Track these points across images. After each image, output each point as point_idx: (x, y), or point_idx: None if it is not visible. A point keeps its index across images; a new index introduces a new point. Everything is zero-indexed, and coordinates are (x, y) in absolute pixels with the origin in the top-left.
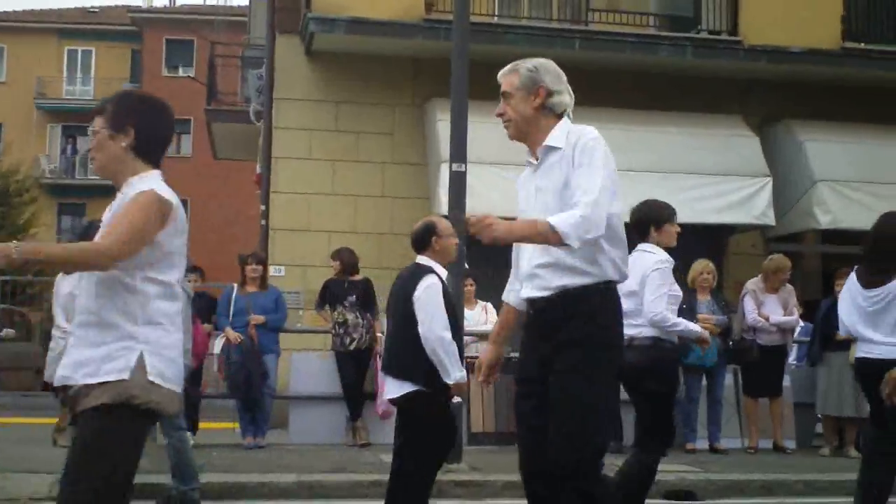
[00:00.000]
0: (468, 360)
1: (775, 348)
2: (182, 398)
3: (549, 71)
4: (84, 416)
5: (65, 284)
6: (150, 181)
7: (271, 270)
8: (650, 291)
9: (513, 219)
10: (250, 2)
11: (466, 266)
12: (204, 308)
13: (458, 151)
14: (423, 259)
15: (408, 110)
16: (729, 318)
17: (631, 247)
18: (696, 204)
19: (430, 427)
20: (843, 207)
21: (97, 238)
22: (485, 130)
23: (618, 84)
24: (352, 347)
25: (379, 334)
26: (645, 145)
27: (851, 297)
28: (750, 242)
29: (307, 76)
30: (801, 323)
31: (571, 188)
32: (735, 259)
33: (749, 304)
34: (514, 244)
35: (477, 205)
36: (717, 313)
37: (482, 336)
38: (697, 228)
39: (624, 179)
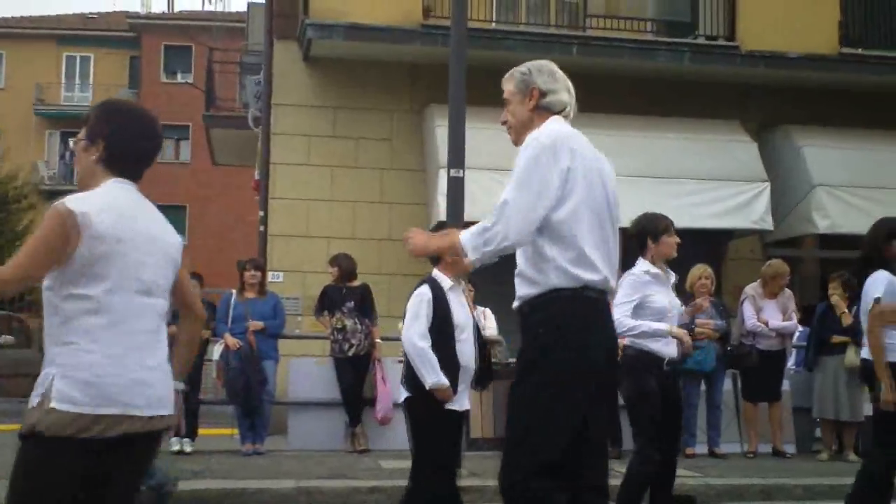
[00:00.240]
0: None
1: (774, 353)
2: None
3: (543, 71)
4: None
5: None
6: (89, 193)
7: (270, 276)
8: (615, 300)
9: None
10: (248, 8)
11: None
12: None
13: (456, 157)
14: (435, 271)
15: (406, 116)
16: (727, 324)
17: (634, 258)
18: (695, 209)
19: (421, 431)
20: (841, 212)
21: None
22: (483, 136)
23: (616, 90)
24: (350, 353)
25: (378, 340)
26: (643, 151)
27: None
28: (748, 247)
29: (305, 82)
30: (800, 328)
31: None
32: (733, 264)
33: (748, 310)
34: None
35: (475, 210)
36: (715, 318)
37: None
38: (696, 234)
39: (622, 185)
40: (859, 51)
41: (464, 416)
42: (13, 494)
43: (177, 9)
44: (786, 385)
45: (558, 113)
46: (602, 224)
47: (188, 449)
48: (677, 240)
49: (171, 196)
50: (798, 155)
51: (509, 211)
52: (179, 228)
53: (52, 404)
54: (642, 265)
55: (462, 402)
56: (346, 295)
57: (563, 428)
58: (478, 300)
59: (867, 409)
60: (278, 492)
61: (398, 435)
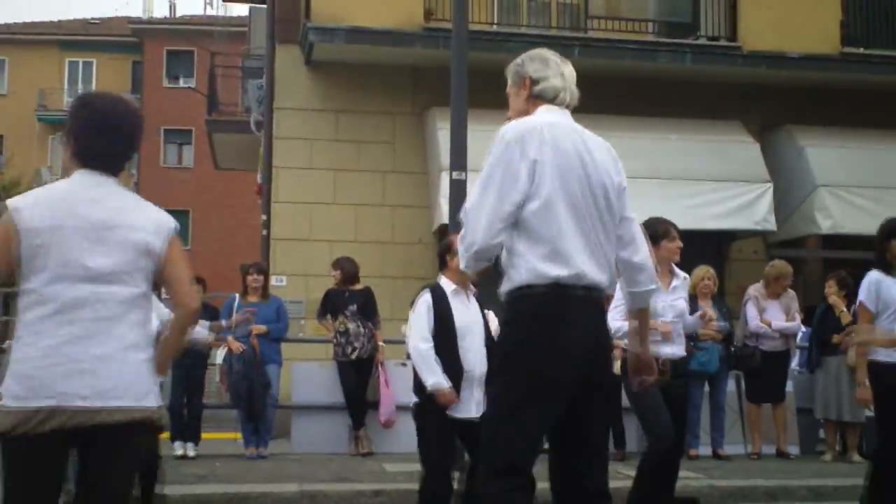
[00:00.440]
0: None
1: (778, 354)
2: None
3: (534, 59)
4: None
5: None
6: (35, 189)
7: (273, 280)
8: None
9: None
10: (250, 12)
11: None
12: (206, 318)
13: (458, 160)
14: (441, 276)
15: (408, 119)
16: (731, 325)
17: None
18: (697, 210)
19: (423, 434)
20: (844, 212)
21: None
22: (485, 138)
23: (617, 91)
24: (353, 356)
25: (381, 343)
26: (645, 152)
27: None
28: (751, 248)
29: (307, 86)
30: (803, 328)
31: None
32: (736, 265)
33: (751, 311)
34: None
35: None
36: (718, 320)
37: None
38: (698, 235)
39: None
40: (861, 50)
41: (473, 424)
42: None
43: (179, 13)
44: (789, 386)
45: (551, 100)
46: (583, 217)
47: (192, 453)
48: (679, 244)
49: (174, 200)
50: (800, 155)
51: (472, 216)
52: (182, 233)
53: (2, 401)
54: None
55: (468, 408)
56: (349, 298)
57: (527, 430)
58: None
59: (869, 410)
60: (282, 495)
61: (402, 438)
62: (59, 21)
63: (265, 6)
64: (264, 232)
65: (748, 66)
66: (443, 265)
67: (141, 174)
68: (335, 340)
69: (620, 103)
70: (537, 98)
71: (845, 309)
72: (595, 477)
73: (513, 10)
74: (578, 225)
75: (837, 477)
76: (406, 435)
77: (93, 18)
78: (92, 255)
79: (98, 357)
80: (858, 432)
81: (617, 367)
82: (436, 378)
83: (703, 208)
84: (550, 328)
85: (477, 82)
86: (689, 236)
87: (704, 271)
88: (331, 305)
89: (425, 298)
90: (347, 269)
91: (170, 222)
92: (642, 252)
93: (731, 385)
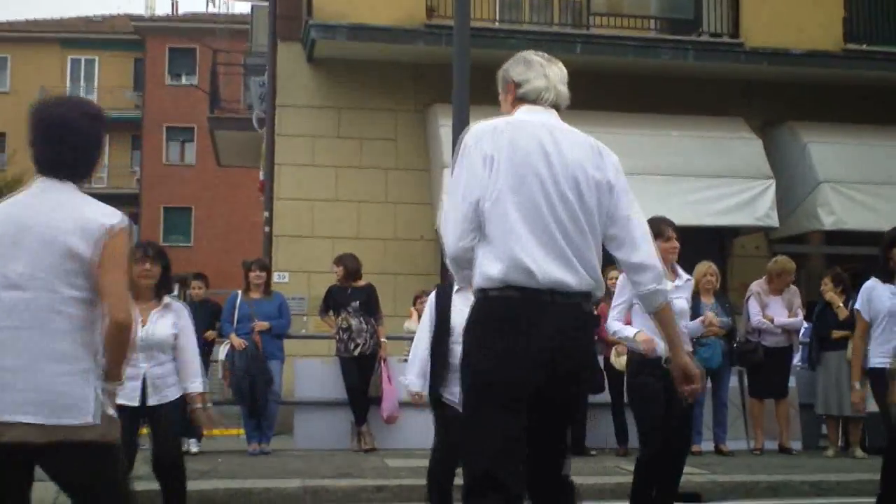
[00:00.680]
0: None
1: (780, 350)
2: None
3: (518, 61)
4: None
5: None
6: None
7: (275, 277)
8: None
9: None
10: (252, 10)
11: None
12: (208, 315)
13: None
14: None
15: (410, 116)
16: (733, 321)
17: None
18: (700, 206)
19: (436, 429)
20: (846, 208)
21: None
22: None
23: (619, 88)
24: (356, 353)
25: (383, 339)
26: (647, 149)
27: None
28: (754, 244)
29: (309, 83)
30: (806, 324)
31: None
32: (739, 261)
33: (754, 307)
34: None
35: None
36: (721, 315)
37: None
38: (701, 231)
39: (628, 183)
40: (864, 46)
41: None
42: None
43: (181, 11)
44: (792, 381)
45: (534, 101)
46: (540, 215)
47: (194, 449)
48: (675, 245)
49: (176, 198)
50: (803, 151)
51: (443, 226)
52: (185, 230)
53: None
54: None
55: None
56: (351, 295)
57: (489, 436)
58: None
59: (871, 405)
60: (285, 491)
61: (404, 434)
62: (62, 18)
63: (267, 3)
64: (266, 229)
65: (750, 62)
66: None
67: (143, 172)
68: (338, 337)
69: (622, 100)
70: (521, 100)
71: (842, 304)
72: (545, 490)
73: (515, 7)
74: (533, 224)
75: (840, 472)
76: (408, 431)
77: (95, 16)
78: (8, 261)
79: (7, 369)
80: (861, 427)
81: (620, 363)
82: (410, 378)
83: (705, 204)
84: (496, 334)
85: (479, 79)
86: (692, 232)
87: (707, 267)
88: (333, 302)
89: (430, 297)
90: (350, 266)
91: (102, 222)
92: (642, 251)
93: (733, 381)
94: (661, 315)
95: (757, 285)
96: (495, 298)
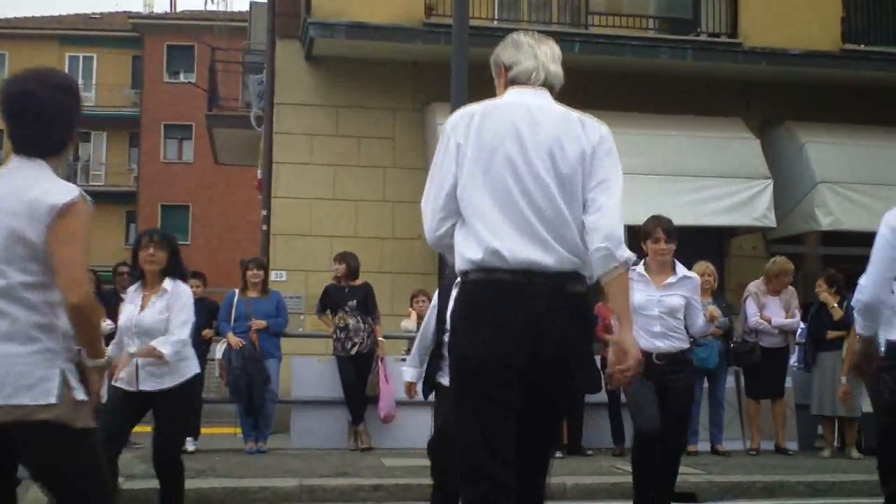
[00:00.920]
0: None
1: (777, 350)
2: None
3: (507, 45)
4: None
5: None
6: None
7: (273, 275)
8: None
9: None
10: (250, 7)
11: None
12: (205, 313)
13: None
14: None
15: (408, 114)
16: (730, 321)
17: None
18: (697, 206)
19: (434, 416)
20: (844, 209)
21: None
22: None
23: (618, 87)
24: (353, 352)
25: (380, 338)
26: (645, 148)
27: None
28: (751, 244)
29: (307, 81)
30: (802, 325)
31: None
32: (736, 261)
33: (751, 307)
34: None
35: None
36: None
37: None
38: (698, 231)
39: (624, 183)
40: (862, 47)
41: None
42: None
43: (179, 9)
44: (788, 382)
45: (525, 82)
46: (514, 196)
47: (191, 448)
48: (663, 247)
49: (174, 196)
50: (800, 152)
51: (423, 213)
52: (182, 228)
53: None
54: (637, 266)
55: None
56: (349, 294)
57: (468, 429)
58: None
59: (866, 406)
60: (281, 490)
61: (401, 433)
62: (60, 16)
63: (265, 1)
64: (264, 227)
65: (749, 62)
66: None
67: (141, 169)
68: (335, 336)
69: (620, 99)
70: (512, 83)
71: (836, 305)
72: (524, 485)
73: (513, 6)
74: (503, 205)
75: (836, 473)
76: (405, 430)
77: (93, 13)
78: None
79: None
80: (856, 428)
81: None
82: (406, 368)
83: (703, 204)
84: (474, 316)
85: (477, 78)
86: (689, 232)
87: (704, 267)
88: (330, 301)
89: (435, 294)
90: (352, 264)
91: (49, 203)
92: (600, 213)
93: (730, 381)
94: (612, 286)
95: (754, 286)
96: (472, 282)
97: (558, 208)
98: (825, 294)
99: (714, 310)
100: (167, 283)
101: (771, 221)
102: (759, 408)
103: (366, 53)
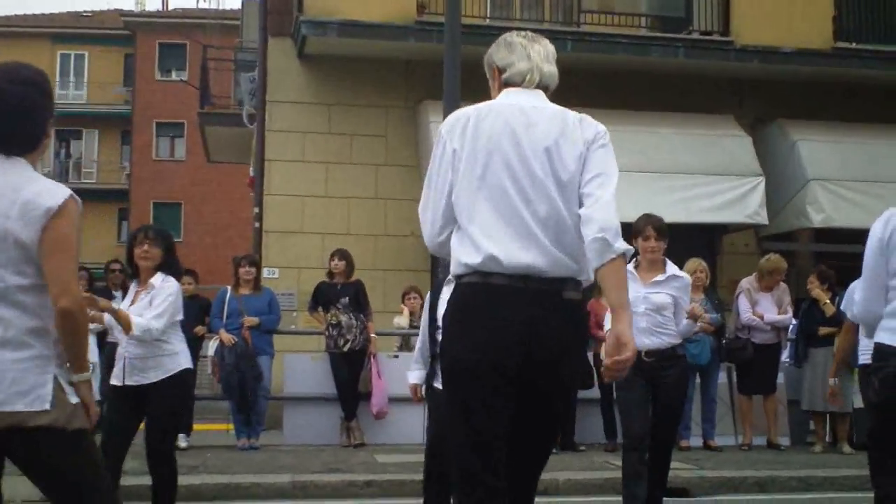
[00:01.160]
0: None
1: (769, 346)
2: None
3: (500, 46)
4: None
5: None
6: None
7: (265, 272)
8: None
9: None
10: (242, 5)
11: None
12: (197, 310)
13: None
14: None
15: (400, 112)
16: (722, 317)
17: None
18: (689, 203)
19: (430, 420)
20: (835, 206)
21: None
22: None
23: (610, 85)
24: (346, 349)
25: (373, 335)
26: (638, 146)
27: None
28: (743, 241)
29: (300, 79)
30: (794, 321)
31: None
32: (728, 258)
33: (743, 303)
34: None
35: None
36: (710, 312)
37: None
38: (690, 228)
39: (619, 180)
40: (853, 45)
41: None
42: None
43: (171, 6)
44: (780, 378)
45: (519, 84)
46: (511, 199)
47: (183, 444)
48: (653, 245)
49: (166, 193)
50: (792, 149)
51: (420, 216)
52: (175, 225)
53: None
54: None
55: None
56: (341, 291)
57: (463, 433)
58: None
59: (857, 401)
60: (274, 486)
61: (393, 429)
62: (52, 14)
63: None
64: (256, 224)
65: (740, 60)
66: None
67: (133, 167)
68: (327, 333)
69: (613, 97)
70: (506, 85)
71: (828, 301)
72: (513, 490)
73: (505, 4)
74: (500, 209)
75: (827, 468)
76: (397, 426)
77: (85, 11)
78: None
79: None
80: (848, 423)
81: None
82: (410, 371)
83: (695, 201)
84: (467, 320)
85: (469, 76)
86: (682, 229)
87: (696, 264)
88: (322, 298)
89: (428, 294)
90: (350, 261)
91: (43, 205)
92: (600, 207)
93: (722, 377)
94: (608, 277)
95: (747, 282)
96: (466, 285)
97: (557, 210)
98: (817, 290)
99: (696, 307)
100: (156, 279)
101: (763, 218)
102: (751, 403)
103: (358, 51)
